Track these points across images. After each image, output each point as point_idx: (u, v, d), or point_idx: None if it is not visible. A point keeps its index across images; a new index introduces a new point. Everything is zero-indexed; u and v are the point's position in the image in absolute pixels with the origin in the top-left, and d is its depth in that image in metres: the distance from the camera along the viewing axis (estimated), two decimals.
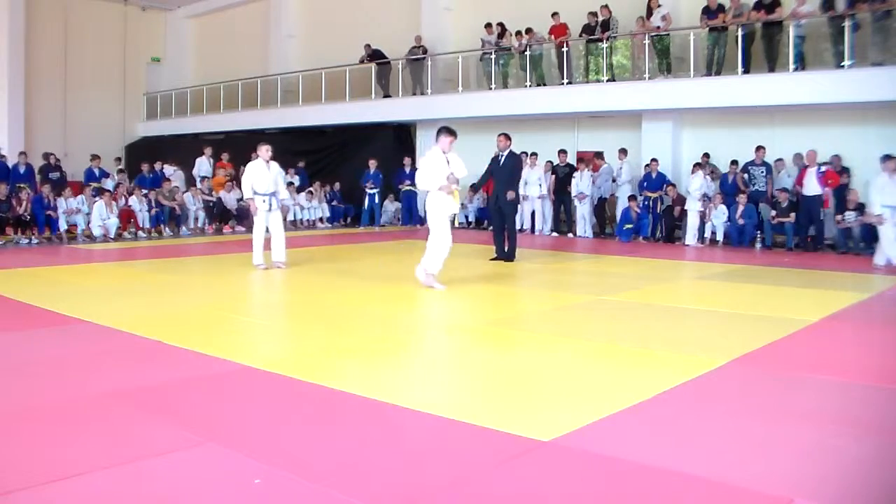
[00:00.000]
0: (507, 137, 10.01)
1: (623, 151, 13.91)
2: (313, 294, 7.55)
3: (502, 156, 9.90)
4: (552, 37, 14.78)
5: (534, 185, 14.43)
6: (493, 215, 10.28)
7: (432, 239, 7.56)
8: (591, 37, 14.25)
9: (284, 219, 10.25)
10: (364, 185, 15.93)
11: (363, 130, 17.72)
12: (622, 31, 14.24)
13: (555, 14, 14.69)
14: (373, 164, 15.81)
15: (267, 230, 9.15)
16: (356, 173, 16.50)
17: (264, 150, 9.16)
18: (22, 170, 14.81)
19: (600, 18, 14.17)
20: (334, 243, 12.94)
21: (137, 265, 10.35)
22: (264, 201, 9.05)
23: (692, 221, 12.47)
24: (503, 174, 9.86)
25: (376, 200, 16.02)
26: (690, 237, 12.46)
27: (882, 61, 11.12)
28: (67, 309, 6.31)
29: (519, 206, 11.31)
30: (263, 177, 9.07)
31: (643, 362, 4.75)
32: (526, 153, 14.70)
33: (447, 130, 7.66)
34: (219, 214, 15.24)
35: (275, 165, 9.29)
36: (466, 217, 16.40)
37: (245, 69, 20.93)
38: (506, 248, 9.97)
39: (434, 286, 7.45)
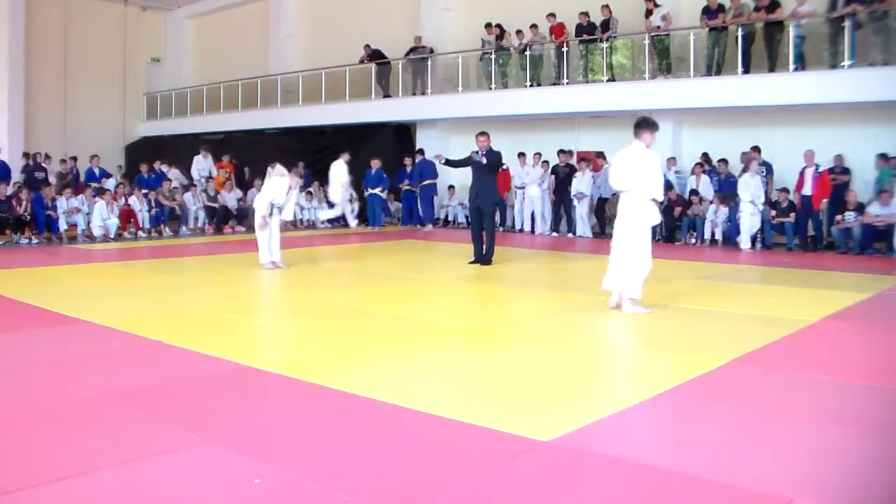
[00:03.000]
0: (488, 136, 9.52)
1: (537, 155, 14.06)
2: (313, 294, 7.54)
3: (482, 154, 9.40)
4: (553, 36, 14.78)
5: (534, 185, 14.46)
6: (472, 215, 9.72)
7: (629, 257, 6.29)
8: (591, 37, 14.24)
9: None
10: (367, 187, 15.90)
11: (363, 130, 17.72)
12: (622, 31, 14.24)
13: (550, 15, 14.67)
14: (375, 164, 15.76)
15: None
16: (357, 174, 16.47)
17: (295, 181, 9.34)
18: None
19: (599, 19, 14.14)
20: (334, 243, 12.93)
21: (137, 265, 10.35)
22: (268, 207, 9.20)
23: (746, 223, 11.76)
24: (483, 172, 9.39)
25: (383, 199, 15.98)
26: (746, 240, 11.77)
27: (882, 61, 11.11)
28: (67, 309, 6.31)
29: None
30: (281, 196, 9.17)
31: (643, 362, 4.75)
32: (524, 153, 14.73)
33: (649, 123, 6.35)
34: (220, 215, 15.23)
35: (294, 192, 9.46)
36: (467, 217, 16.38)
37: (245, 69, 20.92)
38: (483, 250, 9.49)
39: (638, 311, 6.27)
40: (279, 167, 9.37)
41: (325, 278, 8.67)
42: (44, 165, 15.74)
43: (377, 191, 15.81)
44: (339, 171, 13.73)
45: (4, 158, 15.23)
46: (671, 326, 5.90)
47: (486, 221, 9.51)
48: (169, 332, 5.45)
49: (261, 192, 9.43)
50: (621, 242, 6.34)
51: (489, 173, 9.46)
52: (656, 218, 6.35)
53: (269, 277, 8.69)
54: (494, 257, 9.62)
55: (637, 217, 6.25)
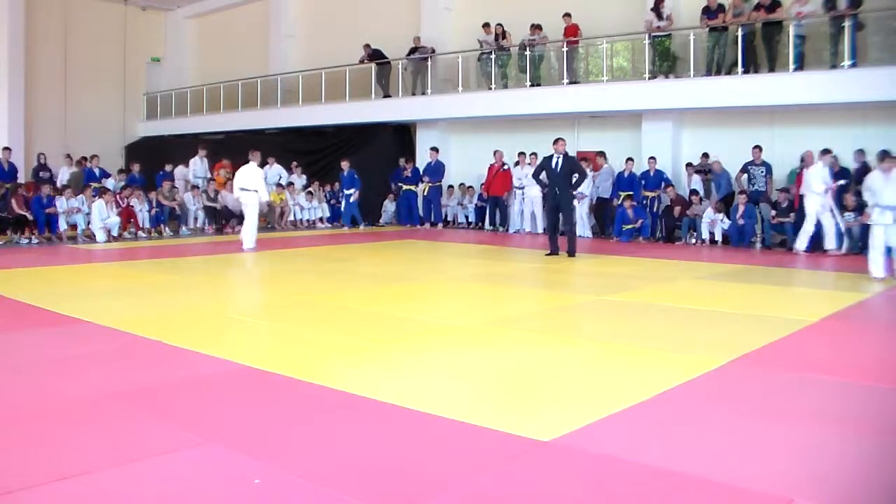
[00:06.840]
0: (564, 142, 10.50)
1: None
2: (313, 294, 7.54)
3: (559, 158, 10.39)
4: (565, 36, 14.73)
5: (534, 185, 14.48)
6: (550, 213, 10.72)
7: None
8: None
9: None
10: (343, 189, 15.87)
11: (363, 130, 17.72)
12: (622, 30, 14.22)
13: (566, 15, 14.63)
14: (345, 165, 15.66)
15: None
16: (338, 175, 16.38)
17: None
18: (6, 167, 14.70)
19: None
20: (334, 243, 12.93)
21: (137, 265, 10.34)
22: None
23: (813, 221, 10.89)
24: (559, 175, 10.37)
25: (351, 200, 15.73)
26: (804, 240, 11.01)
27: (882, 61, 11.10)
28: (67, 309, 6.31)
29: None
30: None
31: (643, 362, 4.74)
32: (524, 153, 14.74)
33: None
34: (222, 215, 15.21)
35: None
36: (467, 217, 16.40)
37: (245, 69, 20.92)
38: (565, 245, 10.47)
39: None
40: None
41: (325, 278, 8.66)
42: (47, 165, 15.75)
43: (350, 192, 15.69)
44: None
45: (12, 160, 15.20)
46: (671, 326, 5.90)
47: (565, 216, 10.51)
48: (169, 332, 5.45)
49: None
50: None
51: (565, 177, 10.40)
52: None
53: (268, 278, 8.69)
54: (489, 252, 9.86)
55: None
